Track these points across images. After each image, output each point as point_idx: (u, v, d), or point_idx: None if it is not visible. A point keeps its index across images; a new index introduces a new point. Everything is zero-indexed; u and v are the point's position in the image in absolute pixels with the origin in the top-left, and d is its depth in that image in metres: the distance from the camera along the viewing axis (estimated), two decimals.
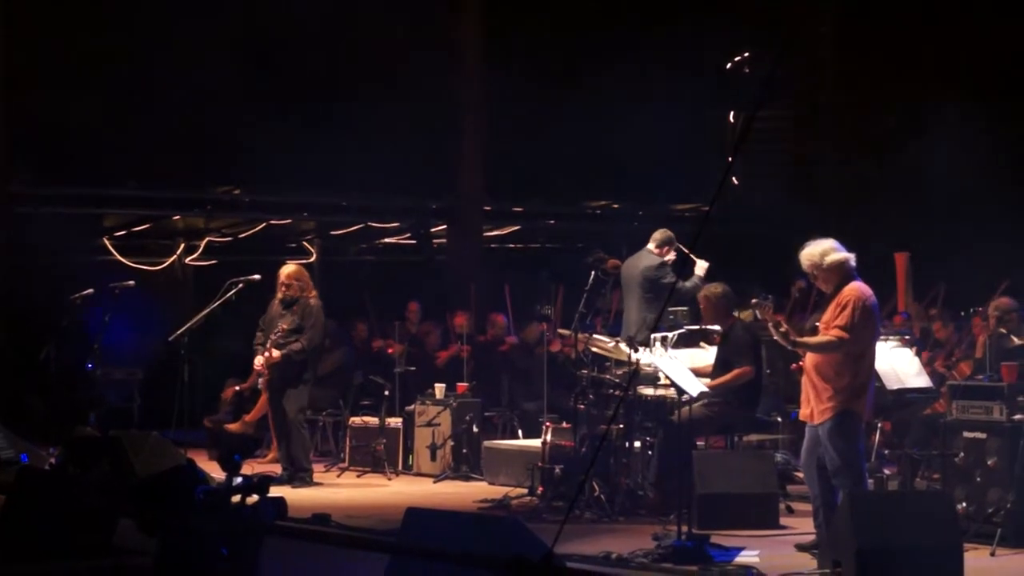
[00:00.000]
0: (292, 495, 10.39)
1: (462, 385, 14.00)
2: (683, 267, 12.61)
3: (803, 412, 9.13)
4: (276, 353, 12.72)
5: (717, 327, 11.44)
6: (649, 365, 10.76)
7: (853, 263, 9.05)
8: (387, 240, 21.43)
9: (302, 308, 12.87)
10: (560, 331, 13.25)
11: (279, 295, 12.95)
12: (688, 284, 12.30)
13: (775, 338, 9.18)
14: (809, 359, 9.05)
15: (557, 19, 20.12)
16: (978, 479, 9.85)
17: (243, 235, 19.84)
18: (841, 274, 9.00)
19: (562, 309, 15.42)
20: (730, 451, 11.43)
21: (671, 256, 12.51)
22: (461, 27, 18.82)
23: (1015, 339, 11.64)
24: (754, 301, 9.31)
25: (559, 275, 16.24)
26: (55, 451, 12.11)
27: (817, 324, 9.32)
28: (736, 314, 11.76)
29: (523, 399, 14.90)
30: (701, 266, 12.46)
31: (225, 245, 20.08)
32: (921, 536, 8.10)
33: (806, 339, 9.03)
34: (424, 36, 18.68)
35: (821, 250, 9.03)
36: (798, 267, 9.26)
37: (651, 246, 12.47)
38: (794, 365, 9.26)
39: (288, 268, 13.16)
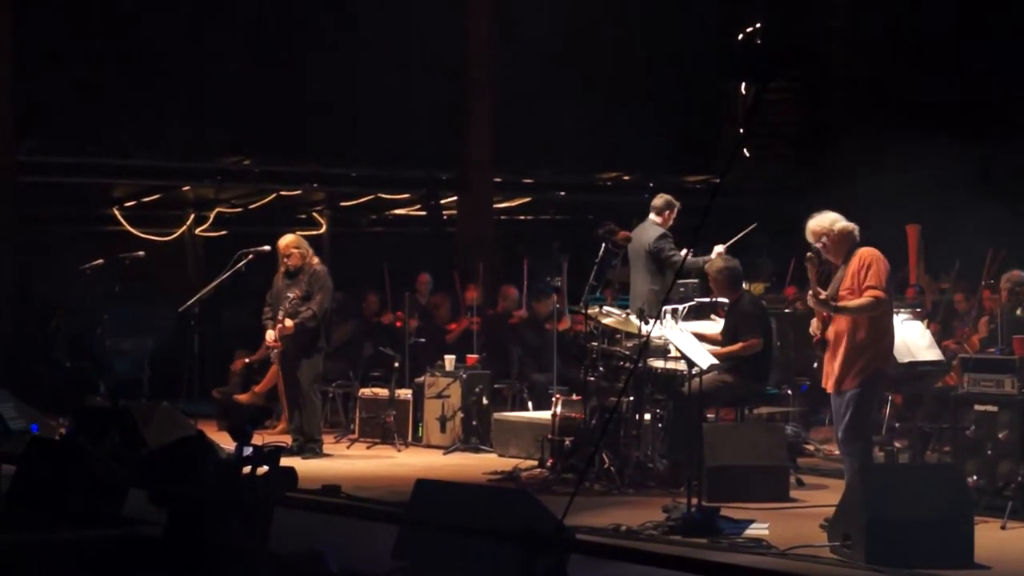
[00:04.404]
0: (302, 466, 10.38)
1: (472, 357, 13.98)
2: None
3: (829, 383, 9.16)
4: (289, 323, 12.70)
5: (724, 300, 11.42)
6: (660, 337, 10.73)
7: (857, 234, 9.24)
8: (397, 211, 21.42)
9: (308, 275, 12.84)
10: (571, 306, 13.20)
11: (282, 267, 12.92)
12: (692, 257, 12.22)
13: (812, 305, 9.22)
14: (835, 328, 9.06)
15: None
16: (989, 452, 9.82)
17: (253, 206, 19.81)
18: (850, 243, 9.23)
19: (567, 281, 15.34)
20: (740, 424, 11.39)
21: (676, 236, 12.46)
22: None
23: None
24: (809, 255, 9.29)
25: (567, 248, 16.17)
26: (65, 421, 12.13)
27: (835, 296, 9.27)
28: (747, 287, 11.71)
29: (533, 371, 14.88)
30: (716, 251, 12.33)
31: (235, 216, 20.06)
32: (932, 509, 8.09)
33: (846, 303, 9.04)
34: (433, 4, 18.55)
35: (830, 219, 9.26)
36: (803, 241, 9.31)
37: (653, 215, 12.40)
38: (816, 337, 9.23)
39: (286, 238, 13.08)
